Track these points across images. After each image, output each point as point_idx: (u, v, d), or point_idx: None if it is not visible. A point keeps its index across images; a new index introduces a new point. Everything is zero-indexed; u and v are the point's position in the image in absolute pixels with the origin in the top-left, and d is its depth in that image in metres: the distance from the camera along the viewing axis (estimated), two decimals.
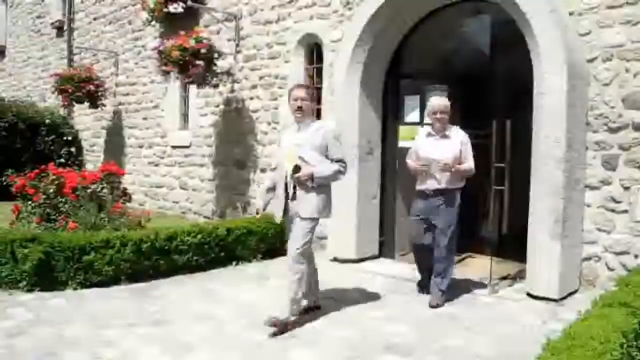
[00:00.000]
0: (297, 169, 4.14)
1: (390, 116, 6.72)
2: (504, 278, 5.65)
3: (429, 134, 5.02)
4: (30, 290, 5.08)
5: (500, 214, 6.03)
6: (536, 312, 4.65)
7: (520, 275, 5.57)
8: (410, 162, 5.05)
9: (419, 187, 4.97)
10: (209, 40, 7.91)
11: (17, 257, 5.11)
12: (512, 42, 5.48)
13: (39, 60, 15.09)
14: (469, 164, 4.87)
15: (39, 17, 15.19)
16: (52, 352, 3.72)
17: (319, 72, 7.34)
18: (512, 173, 5.88)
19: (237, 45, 8.42)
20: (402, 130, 6.52)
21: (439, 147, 4.87)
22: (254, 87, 8.18)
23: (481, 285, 5.41)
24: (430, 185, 4.88)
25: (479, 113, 6.28)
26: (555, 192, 4.86)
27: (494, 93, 6.21)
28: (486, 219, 6.59)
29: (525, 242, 5.13)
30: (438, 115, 4.90)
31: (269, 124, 7.96)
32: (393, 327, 4.31)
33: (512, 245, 5.91)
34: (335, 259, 6.46)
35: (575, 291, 5.10)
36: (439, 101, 4.94)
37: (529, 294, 5.03)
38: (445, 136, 4.93)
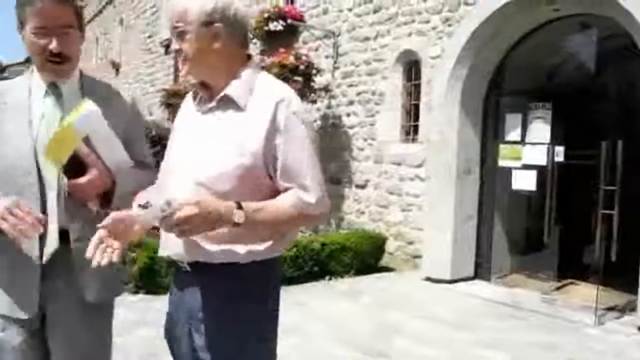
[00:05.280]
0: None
1: (490, 134, 6.54)
2: (611, 309, 5.30)
3: (196, 98, 1.79)
4: (136, 292, 5.37)
5: (608, 240, 5.67)
6: None
7: (630, 307, 5.20)
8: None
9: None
10: (307, 57, 8.08)
11: (125, 260, 5.42)
12: (622, 56, 5.20)
13: (148, 76, 16.06)
14: (301, 192, 1.60)
15: (149, 36, 16.20)
16: (154, 353, 3.89)
17: (417, 88, 7.29)
18: (623, 196, 5.53)
19: (335, 61, 8.54)
20: (503, 149, 6.32)
21: (204, 140, 1.67)
22: (351, 103, 8.25)
23: (585, 314, 5.10)
24: (177, 251, 1.66)
25: (587, 132, 5.97)
26: None
27: (603, 111, 5.90)
28: (591, 244, 6.23)
29: (637, 271, 4.79)
30: (179, 27, 1.63)
31: (365, 140, 7.98)
32: (485, 352, 4.16)
33: (621, 275, 5.54)
34: (428, 279, 6.33)
35: None
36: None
37: None
38: (225, 102, 1.66)
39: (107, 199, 1.85)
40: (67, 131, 1.74)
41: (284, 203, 1.60)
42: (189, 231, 1.47)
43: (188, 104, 1.81)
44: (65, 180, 1.81)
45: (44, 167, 1.81)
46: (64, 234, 1.83)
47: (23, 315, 1.83)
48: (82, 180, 1.80)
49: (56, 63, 1.84)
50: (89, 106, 1.78)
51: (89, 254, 1.58)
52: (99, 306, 1.93)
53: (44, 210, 1.79)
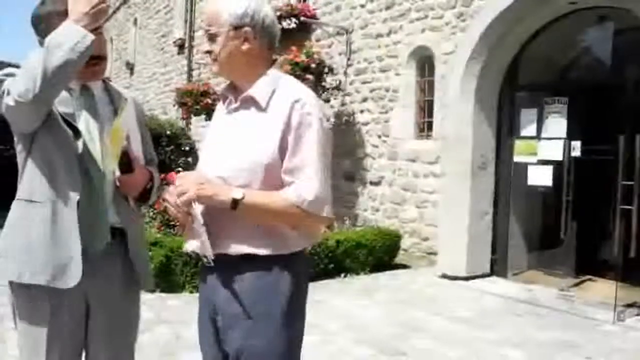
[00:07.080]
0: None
1: (505, 130, 6.49)
2: (630, 305, 5.22)
3: (225, 98, 1.86)
4: (152, 291, 5.39)
5: (626, 235, 5.60)
6: None
7: None
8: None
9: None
10: (319, 54, 8.07)
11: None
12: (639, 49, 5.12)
13: (162, 75, 16.14)
14: (300, 188, 1.65)
15: (163, 36, 16.27)
16: (170, 352, 3.92)
17: (431, 84, 7.25)
18: None
19: (348, 58, 8.52)
20: (518, 144, 6.27)
21: (227, 137, 1.77)
22: (365, 100, 8.23)
23: (603, 311, 5.04)
24: (198, 245, 1.74)
25: (603, 127, 5.90)
26: None
27: (620, 105, 5.81)
28: (609, 240, 6.15)
29: None
30: (212, 30, 1.72)
31: (379, 136, 7.95)
32: (505, 350, 4.12)
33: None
34: (444, 276, 6.29)
35: None
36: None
37: None
38: (248, 102, 1.76)
39: (143, 195, 1.99)
40: (119, 129, 1.86)
41: (281, 194, 1.65)
42: (191, 197, 1.62)
43: (218, 107, 1.91)
44: (117, 174, 1.90)
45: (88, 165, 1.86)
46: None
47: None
48: (134, 175, 1.91)
49: (94, 65, 1.87)
50: (129, 106, 1.93)
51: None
52: (137, 291, 2.08)
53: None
